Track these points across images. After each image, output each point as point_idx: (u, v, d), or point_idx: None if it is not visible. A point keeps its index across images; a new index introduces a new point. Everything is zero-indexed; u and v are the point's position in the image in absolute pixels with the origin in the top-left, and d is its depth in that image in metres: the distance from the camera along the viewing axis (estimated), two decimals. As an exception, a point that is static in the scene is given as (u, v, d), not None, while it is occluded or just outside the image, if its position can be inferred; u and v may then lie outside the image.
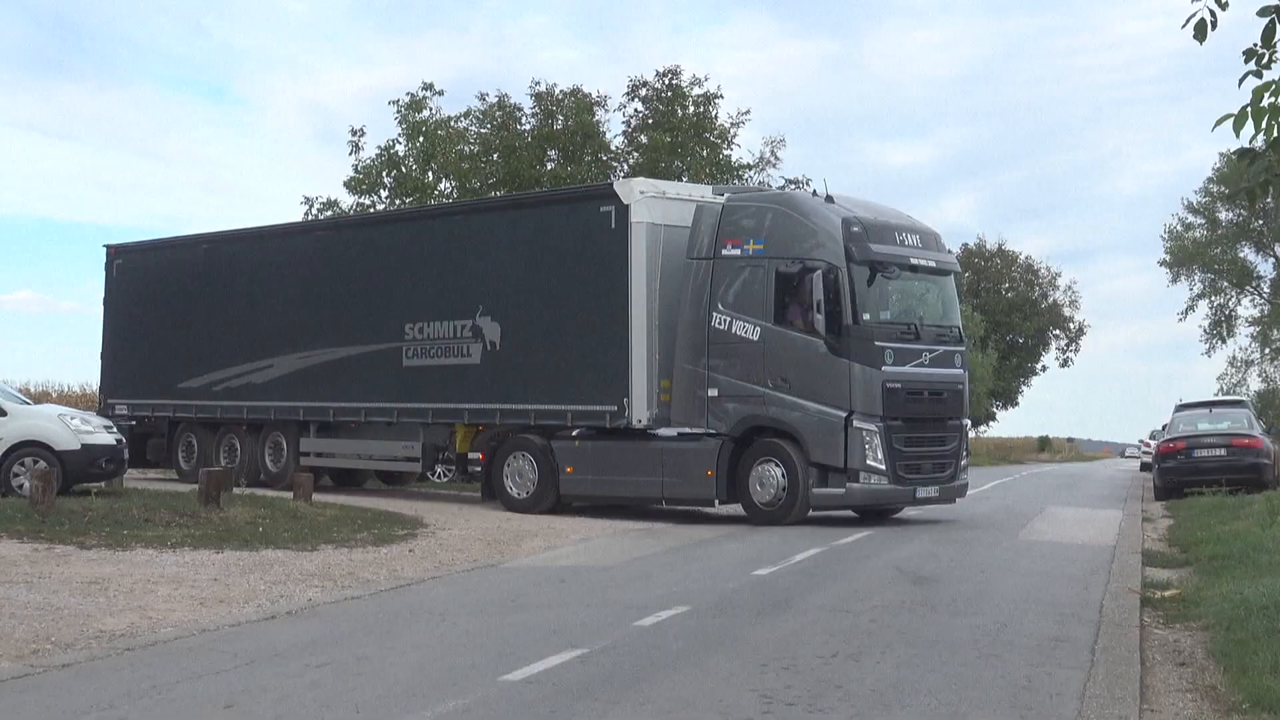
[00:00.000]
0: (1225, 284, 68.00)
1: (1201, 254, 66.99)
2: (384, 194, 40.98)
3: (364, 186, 40.88)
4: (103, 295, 30.91)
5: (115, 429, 22.97)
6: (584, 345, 21.91)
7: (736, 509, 21.39)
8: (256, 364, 27.32)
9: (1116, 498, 31.63)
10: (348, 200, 41.24)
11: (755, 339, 20.49)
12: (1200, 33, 9.06)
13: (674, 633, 10.48)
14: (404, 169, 40.89)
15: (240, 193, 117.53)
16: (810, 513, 20.60)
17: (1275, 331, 67.88)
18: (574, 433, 22.30)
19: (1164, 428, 33.32)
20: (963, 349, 21.80)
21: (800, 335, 20.15)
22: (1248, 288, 67.97)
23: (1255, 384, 67.11)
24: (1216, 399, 38.34)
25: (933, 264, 21.27)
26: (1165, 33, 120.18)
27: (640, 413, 21.16)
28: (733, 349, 20.68)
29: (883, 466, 19.88)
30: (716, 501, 21.26)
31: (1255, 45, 9.31)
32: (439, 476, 27.09)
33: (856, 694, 8.28)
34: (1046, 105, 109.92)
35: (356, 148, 41.27)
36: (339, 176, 40.66)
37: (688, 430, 21.25)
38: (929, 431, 20.81)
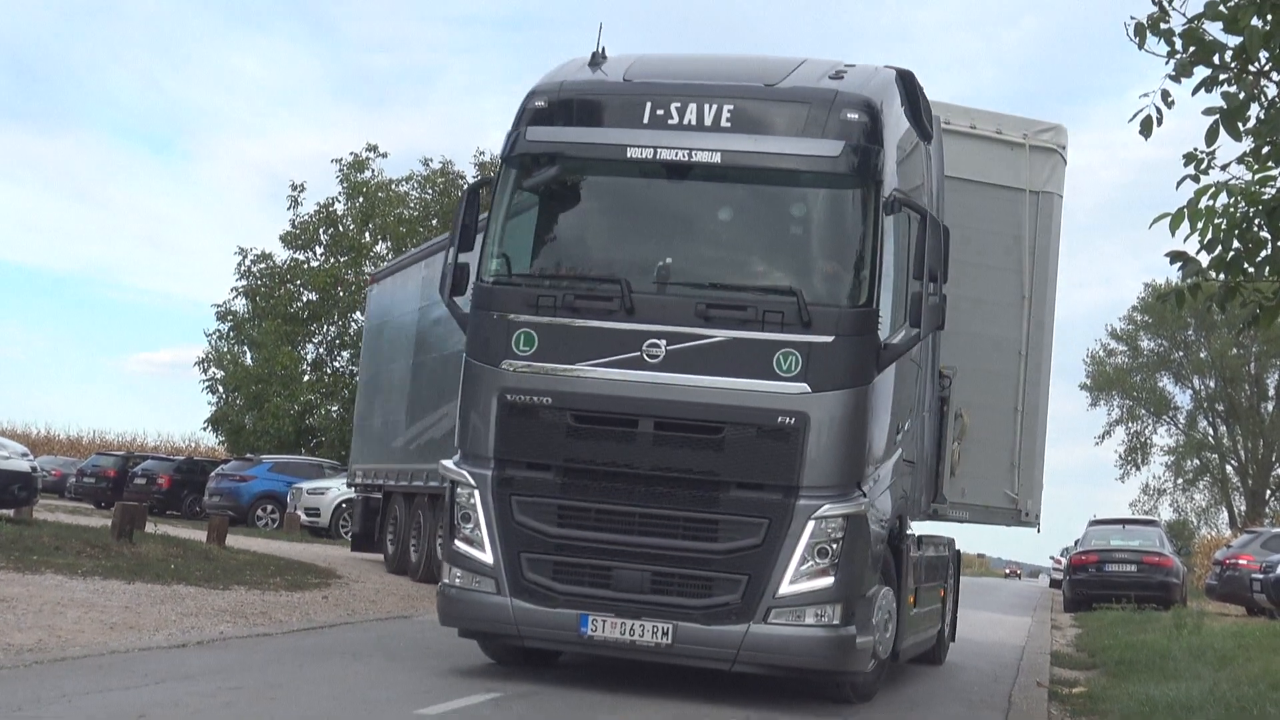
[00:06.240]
0: (1143, 411, 68.87)
1: (1122, 380, 67.88)
2: (319, 250, 41.10)
3: (300, 241, 40.97)
4: (363, 336, 26.13)
5: (30, 457, 22.70)
6: None
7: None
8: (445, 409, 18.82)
9: (1026, 607, 31.81)
10: (282, 255, 41.34)
11: None
12: (1146, 129, 9.33)
13: (594, 675, 10.46)
14: (341, 227, 41.04)
15: (181, 247, 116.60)
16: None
17: (1188, 462, 68.72)
18: None
19: (1076, 543, 33.64)
20: (822, 339, 9.88)
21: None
22: (1164, 417, 68.89)
23: (1166, 513, 67.75)
24: (1131, 517, 38.79)
25: (711, 157, 10.24)
26: (1105, 165, 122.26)
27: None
28: None
29: (486, 558, 10.23)
30: None
31: (1196, 149, 9.63)
32: None
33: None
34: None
35: (295, 202, 41.45)
36: (279, 233, 40.73)
37: None
38: (647, 504, 10.02)
